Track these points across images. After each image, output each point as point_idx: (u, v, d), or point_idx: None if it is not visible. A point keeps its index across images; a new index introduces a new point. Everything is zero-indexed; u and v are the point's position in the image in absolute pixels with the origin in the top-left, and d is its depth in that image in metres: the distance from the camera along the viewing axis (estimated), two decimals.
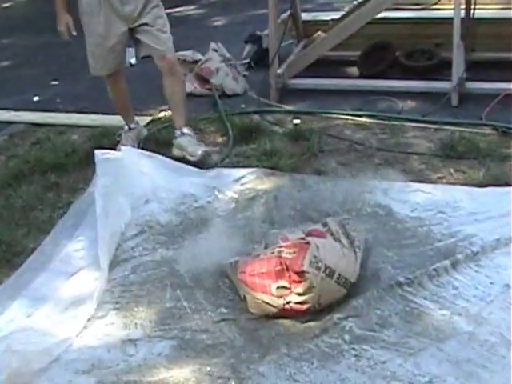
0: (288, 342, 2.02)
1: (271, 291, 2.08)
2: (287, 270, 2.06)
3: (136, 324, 2.17)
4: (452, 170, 2.92)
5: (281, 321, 2.11)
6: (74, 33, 2.97)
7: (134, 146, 3.18)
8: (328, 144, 3.24)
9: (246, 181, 2.95)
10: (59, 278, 2.44)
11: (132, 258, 2.53)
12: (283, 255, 2.09)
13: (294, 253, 2.08)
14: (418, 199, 2.67)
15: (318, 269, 2.05)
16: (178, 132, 3.19)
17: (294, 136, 3.33)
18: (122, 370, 1.98)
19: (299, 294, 2.05)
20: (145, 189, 2.85)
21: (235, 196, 2.86)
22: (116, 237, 2.62)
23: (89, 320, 2.20)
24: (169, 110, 3.33)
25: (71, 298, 2.32)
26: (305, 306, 2.07)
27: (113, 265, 2.48)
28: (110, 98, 3.31)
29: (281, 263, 2.08)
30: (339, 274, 2.09)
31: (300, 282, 2.05)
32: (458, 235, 2.41)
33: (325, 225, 2.29)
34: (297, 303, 2.06)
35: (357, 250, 2.22)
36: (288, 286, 2.06)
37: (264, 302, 2.10)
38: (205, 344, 2.06)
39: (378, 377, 1.84)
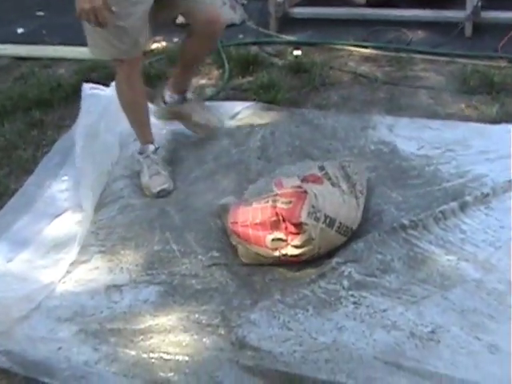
0: (282, 287, 1.93)
1: (266, 243, 1.96)
2: (283, 221, 1.94)
3: (122, 268, 2.10)
4: (463, 106, 2.81)
5: (275, 266, 2.03)
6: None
7: (158, 173, 2.44)
8: (330, 77, 3.14)
9: (241, 115, 2.83)
10: (42, 220, 2.35)
11: (120, 198, 2.42)
12: (278, 205, 1.96)
13: (290, 203, 1.95)
14: (425, 136, 2.57)
15: (317, 219, 1.93)
16: (180, 96, 2.59)
17: (294, 68, 3.22)
18: (106, 318, 1.91)
19: (296, 247, 1.94)
20: None
21: (230, 131, 2.74)
22: (103, 177, 2.52)
23: (72, 264, 2.13)
24: (179, 66, 2.55)
25: (54, 241, 2.24)
26: (302, 258, 1.97)
27: (99, 206, 2.39)
28: (121, 102, 2.43)
29: (276, 214, 1.94)
30: (340, 223, 1.97)
31: (298, 233, 1.92)
32: (467, 175, 2.31)
33: (322, 168, 2.15)
34: (293, 256, 1.96)
35: (359, 194, 2.10)
36: (284, 238, 1.94)
37: (258, 254, 2.00)
38: (194, 290, 1.98)
39: (378, 326, 1.76)
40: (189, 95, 2.66)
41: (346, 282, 1.91)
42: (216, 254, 2.11)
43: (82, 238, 2.20)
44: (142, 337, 1.83)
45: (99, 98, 2.68)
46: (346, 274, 1.93)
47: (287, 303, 1.86)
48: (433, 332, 1.73)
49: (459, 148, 2.47)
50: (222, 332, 1.81)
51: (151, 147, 2.48)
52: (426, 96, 2.90)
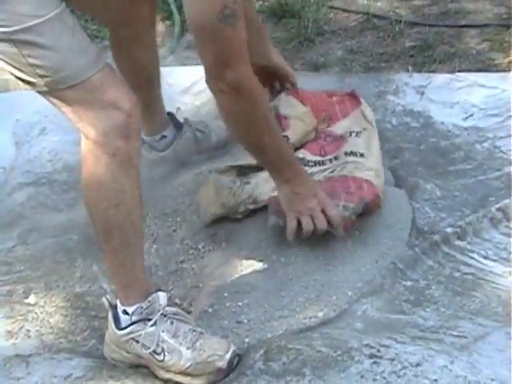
0: (266, 347, 1.89)
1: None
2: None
3: (28, 330, 2.09)
4: None
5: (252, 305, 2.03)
6: None
7: (200, 333, 1.91)
8: (331, 22, 3.23)
9: (200, 87, 2.77)
10: None
11: (20, 218, 2.49)
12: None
13: None
14: (474, 99, 2.63)
15: None
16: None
17: (276, 12, 3.33)
18: None
19: None
20: (39, 111, 2.73)
21: (184, 112, 2.72)
22: None
23: None
24: None
25: None
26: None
27: None
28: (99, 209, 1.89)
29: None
30: None
31: None
32: None
33: None
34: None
35: None
36: None
37: None
38: None
39: None
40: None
41: (358, 325, 1.90)
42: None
43: None
44: None
45: None
46: (359, 313, 1.94)
47: (273, 372, 1.82)
48: None
49: None
50: None
51: (161, 296, 1.89)
52: (477, 39, 2.99)
